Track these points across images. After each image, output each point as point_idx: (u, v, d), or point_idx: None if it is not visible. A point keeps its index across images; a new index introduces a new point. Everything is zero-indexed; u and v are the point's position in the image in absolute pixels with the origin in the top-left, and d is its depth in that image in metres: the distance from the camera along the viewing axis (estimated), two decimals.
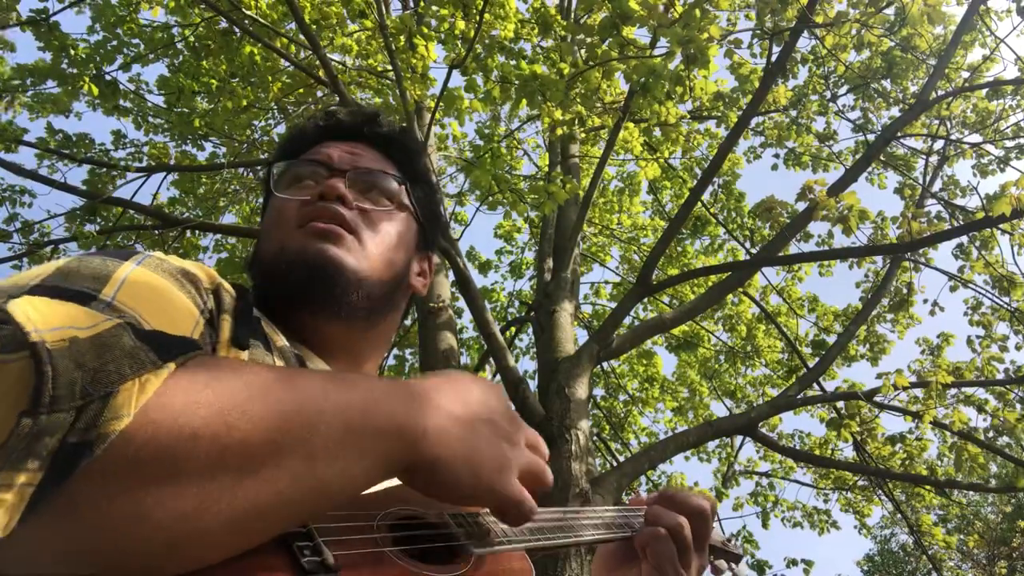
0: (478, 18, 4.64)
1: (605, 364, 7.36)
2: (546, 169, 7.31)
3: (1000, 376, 5.59)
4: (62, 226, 5.74)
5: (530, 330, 7.03)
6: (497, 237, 9.13)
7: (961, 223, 6.06)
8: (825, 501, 8.40)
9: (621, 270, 9.22)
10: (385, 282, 0.88)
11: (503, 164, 5.52)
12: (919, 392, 5.23)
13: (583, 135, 6.83)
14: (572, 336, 5.34)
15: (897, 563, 17.48)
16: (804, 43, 6.38)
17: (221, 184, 7.21)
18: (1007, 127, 6.88)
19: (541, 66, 4.53)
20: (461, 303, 6.11)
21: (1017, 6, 4.28)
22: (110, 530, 0.43)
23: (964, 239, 6.57)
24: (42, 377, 0.41)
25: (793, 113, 7.07)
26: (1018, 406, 5.64)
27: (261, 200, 1.05)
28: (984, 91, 6.68)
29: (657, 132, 5.85)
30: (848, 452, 7.22)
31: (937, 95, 6.27)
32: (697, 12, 3.68)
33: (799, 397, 5.78)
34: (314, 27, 5.24)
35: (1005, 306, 6.20)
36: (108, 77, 5.24)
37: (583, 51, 4.43)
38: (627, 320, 6.64)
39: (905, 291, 7.01)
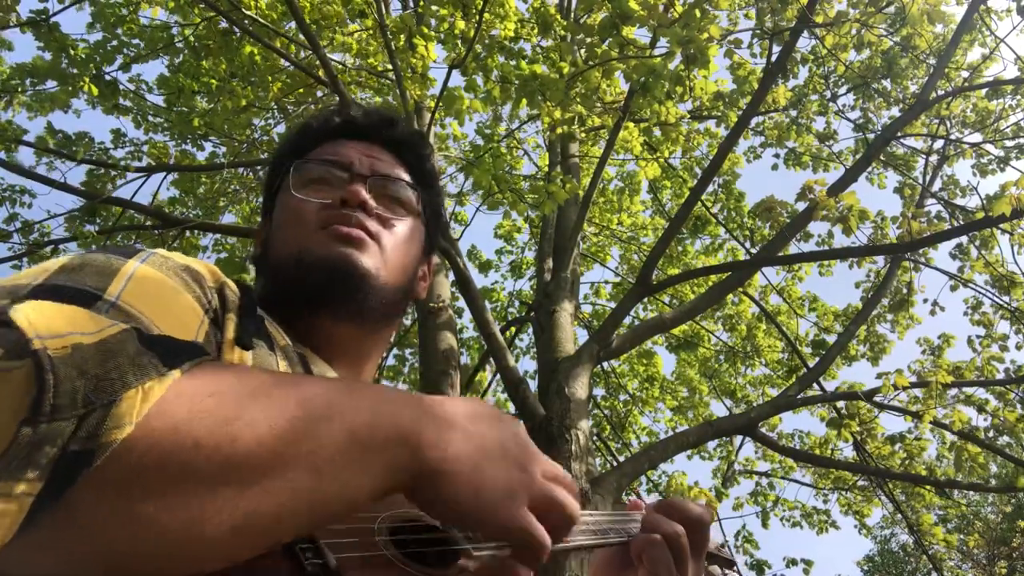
0: (478, 18, 4.64)
1: (605, 364, 7.36)
2: (546, 169, 7.31)
3: (1000, 376, 5.59)
4: (62, 226, 5.74)
5: (530, 330, 7.03)
6: (497, 237, 9.14)
7: (961, 223, 6.06)
8: (825, 502, 8.41)
9: (621, 270, 9.22)
10: (399, 288, 0.89)
11: (503, 164, 5.51)
12: (919, 392, 5.23)
13: (583, 135, 6.83)
14: (572, 336, 5.34)
15: (897, 563, 17.48)
16: (804, 43, 6.39)
17: (221, 184, 7.21)
18: (1007, 127, 6.87)
19: (541, 66, 4.53)
20: (461, 303, 6.12)
21: (1017, 6, 4.28)
22: (110, 540, 0.42)
23: (964, 239, 6.57)
24: (43, 385, 0.40)
25: (793, 113, 7.07)
26: (1018, 406, 5.64)
27: (261, 199, 1.04)
28: (984, 91, 6.68)
29: (657, 132, 5.85)
30: (848, 452, 7.22)
31: (937, 95, 6.27)
32: (697, 12, 3.68)
33: (799, 397, 5.78)
34: (314, 27, 5.24)
35: (1005, 305, 6.20)
36: (108, 77, 5.24)
37: (583, 51, 4.43)
38: (627, 320, 6.65)
39: (905, 291, 7.01)
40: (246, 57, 5.57)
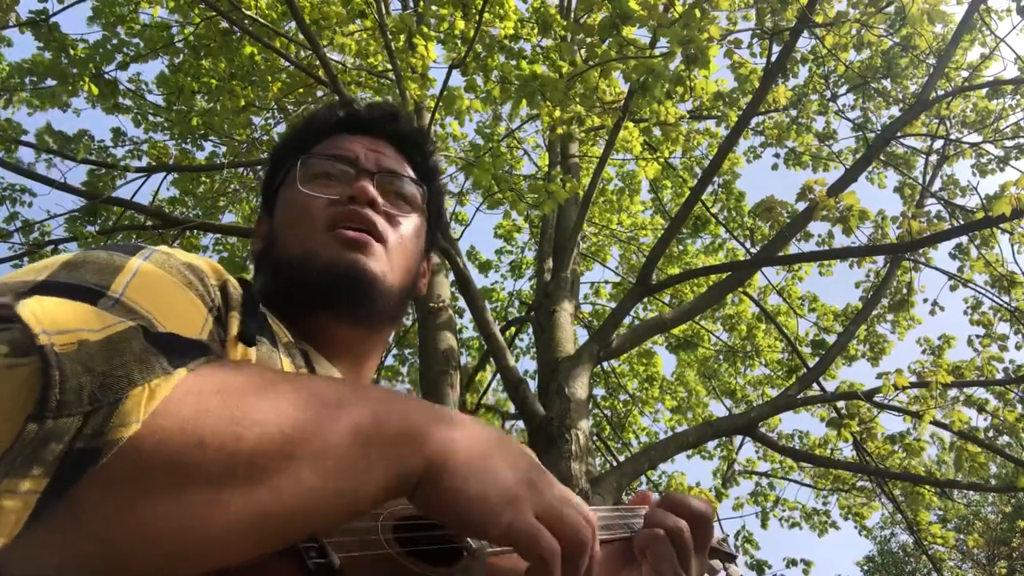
0: (478, 18, 4.64)
1: (605, 364, 7.36)
2: (546, 169, 7.32)
3: (1000, 376, 5.58)
4: (62, 226, 5.75)
5: (530, 330, 7.03)
6: (497, 237, 9.13)
7: (961, 223, 6.06)
8: (824, 503, 8.41)
9: (621, 270, 9.22)
10: (403, 289, 0.89)
11: (503, 164, 5.52)
12: (919, 392, 5.23)
13: (583, 135, 6.83)
14: (572, 336, 5.34)
15: (897, 563, 17.48)
16: (804, 43, 6.38)
17: (221, 184, 7.21)
18: (1007, 126, 6.87)
19: (541, 66, 4.53)
20: (461, 303, 6.12)
21: (1017, 5, 4.28)
22: (115, 538, 0.42)
23: (964, 239, 6.57)
24: (49, 381, 0.40)
25: (793, 113, 7.07)
26: (1018, 406, 5.63)
27: (261, 193, 1.03)
28: (984, 90, 6.68)
29: (657, 132, 5.85)
30: (848, 452, 7.22)
31: (937, 95, 6.27)
32: (697, 12, 3.68)
33: (799, 397, 5.78)
34: (314, 27, 5.24)
35: (1005, 305, 6.20)
36: (108, 76, 5.24)
37: (583, 51, 4.43)
38: (627, 320, 6.65)
39: (905, 291, 7.01)
40: (246, 57, 5.57)
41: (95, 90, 5.14)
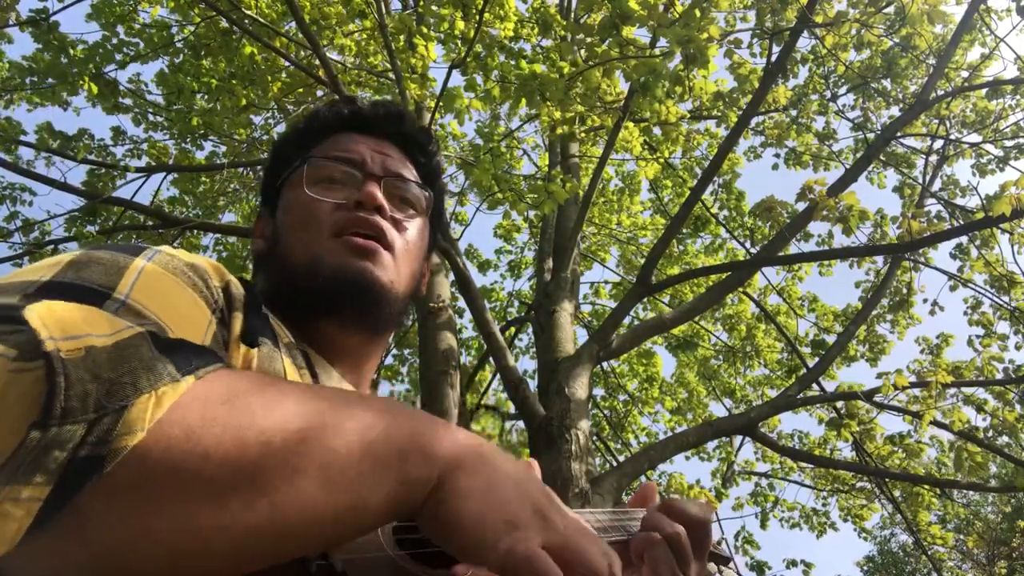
0: (478, 18, 4.64)
1: (605, 364, 7.36)
2: (546, 169, 7.32)
3: (1000, 376, 5.58)
4: (62, 226, 5.75)
5: (530, 330, 7.03)
6: (497, 237, 9.13)
7: (961, 223, 6.06)
8: (824, 504, 8.41)
9: (621, 270, 9.22)
10: (408, 295, 0.89)
11: (503, 164, 5.51)
12: (919, 392, 5.23)
13: (583, 135, 6.83)
14: (572, 336, 5.34)
15: (897, 563, 17.48)
16: (804, 43, 6.39)
17: (221, 184, 7.21)
18: (1007, 127, 6.87)
19: (541, 66, 4.53)
20: (461, 303, 6.12)
21: (1017, 5, 4.28)
22: (118, 546, 0.42)
23: (964, 239, 6.57)
24: (54, 388, 0.40)
25: (793, 113, 7.06)
26: (1017, 406, 5.63)
27: (261, 194, 1.02)
28: (984, 91, 6.68)
29: (657, 132, 5.85)
30: (847, 453, 7.22)
31: (937, 95, 6.26)
32: (697, 12, 3.68)
33: (799, 397, 5.78)
34: (314, 27, 5.24)
35: (1005, 305, 6.20)
36: (108, 76, 5.24)
37: (583, 51, 4.43)
38: (627, 320, 6.65)
39: (905, 291, 7.01)
40: (246, 57, 5.57)
41: (95, 89, 5.14)
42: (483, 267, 9.19)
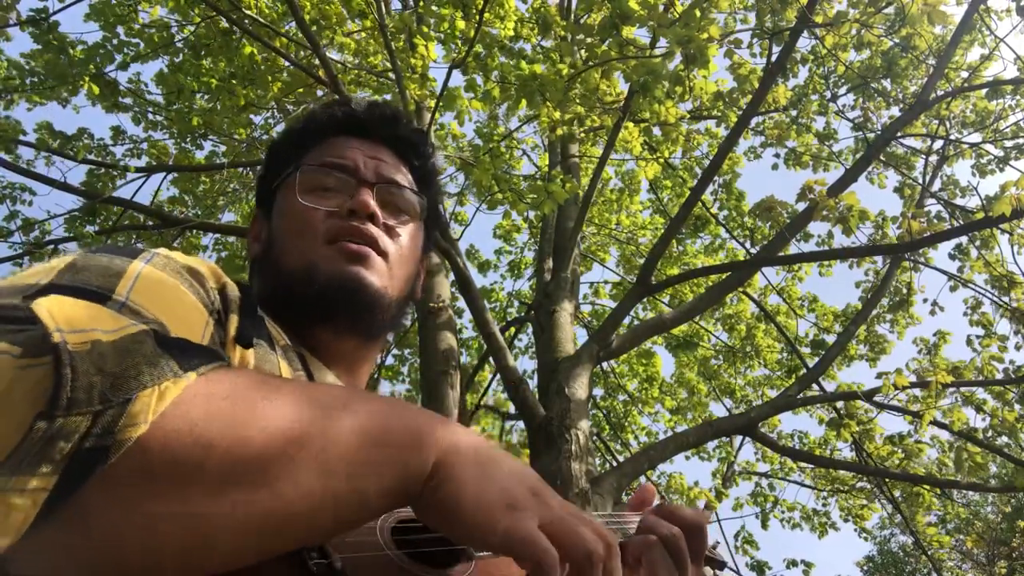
0: (478, 18, 4.64)
1: (605, 364, 7.36)
2: (546, 169, 7.32)
3: (999, 376, 5.58)
4: (62, 226, 5.75)
5: (530, 330, 7.03)
6: (496, 237, 9.14)
7: (961, 223, 6.06)
8: (824, 504, 8.41)
9: (621, 270, 9.23)
10: (403, 300, 0.90)
11: (503, 164, 5.52)
12: (919, 392, 5.23)
13: (582, 135, 6.83)
14: (572, 336, 5.34)
15: (897, 563, 17.48)
16: (804, 43, 6.38)
17: (220, 183, 7.22)
18: (1007, 127, 6.88)
19: (540, 66, 4.53)
20: (461, 303, 6.12)
21: (1017, 5, 4.28)
22: (121, 538, 0.43)
23: (964, 239, 6.57)
24: (60, 380, 0.41)
25: (793, 113, 7.06)
26: (1017, 406, 5.63)
27: (257, 194, 1.03)
28: (984, 91, 6.68)
29: (657, 132, 5.85)
30: (847, 453, 7.22)
31: (937, 95, 6.26)
32: (697, 12, 3.68)
33: (799, 397, 5.78)
34: (314, 27, 5.24)
35: (1005, 305, 6.20)
36: (108, 77, 5.24)
37: (583, 51, 4.43)
38: (627, 320, 6.64)
39: (905, 291, 7.01)
40: (246, 57, 5.57)
41: (95, 89, 5.15)
42: (483, 268, 9.19)
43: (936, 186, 7.36)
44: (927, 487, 6.84)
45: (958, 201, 7.19)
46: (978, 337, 6.24)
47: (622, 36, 3.97)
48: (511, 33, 5.44)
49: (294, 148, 0.94)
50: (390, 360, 8.12)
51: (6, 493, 0.39)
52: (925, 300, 7.11)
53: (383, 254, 0.86)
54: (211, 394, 0.47)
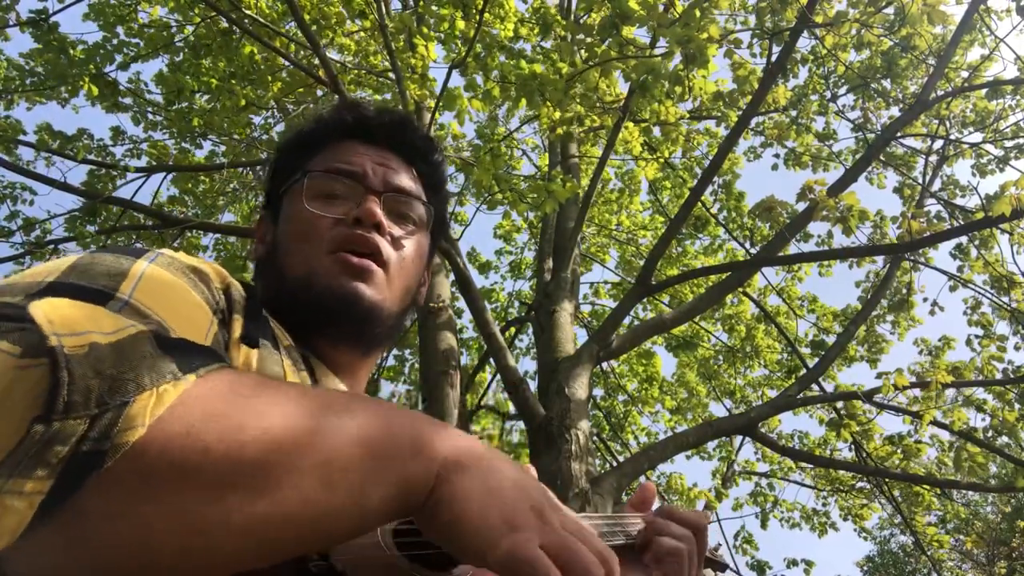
0: (478, 18, 4.64)
1: (605, 364, 7.36)
2: (546, 169, 7.32)
3: (999, 376, 5.58)
4: (62, 226, 5.75)
5: (530, 330, 7.04)
6: (497, 237, 9.14)
7: (961, 223, 6.06)
8: (824, 504, 8.41)
9: (621, 270, 9.23)
10: (402, 312, 0.90)
11: (503, 164, 5.52)
12: (919, 392, 5.23)
13: (582, 135, 6.83)
14: (572, 336, 5.34)
15: (897, 563, 17.48)
16: (804, 43, 6.38)
17: (220, 183, 7.22)
18: (1007, 127, 6.87)
19: (540, 66, 4.53)
20: (461, 303, 6.12)
21: (1017, 5, 4.28)
22: (118, 542, 0.42)
23: (964, 239, 6.57)
24: (57, 383, 0.40)
25: (793, 113, 7.06)
26: (1017, 406, 5.63)
27: (264, 193, 1.02)
28: (984, 91, 6.68)
29: (657, 132, 5.85)
30: (847, 453, 7.22)
31: (937, 95, 6.26)
32: (697, 12, 3.68)
33: (799, 397, 5.78)
34: (314, 27, 5.24)
35: (1005, 305, 6.20)
36: (108, 77, 5.24)
37: (583, 51, 4.43)
38: (627, 320, 6.65)
39: (905, 291, 7.01)
40: (246, 57, 5.57)
41: (95, 90, 5.15)
42: (483, 269, 9.19)
43: (936, 186, 7.36)
44: (927, 487, 6.84)
45: (958, 201, 7.19)
46: (978, 337, 6.24)
47: (622, 36, 3.97)
48: (511, 33, 5.44)
49: (302, 151, 0.94)
50: (390, 360, 8.12)
51: (2, 495, 0.38)
52: (925, 300, 7.11)
53: (384, 265, 0.85)
54: (210, 397, 0.47)
